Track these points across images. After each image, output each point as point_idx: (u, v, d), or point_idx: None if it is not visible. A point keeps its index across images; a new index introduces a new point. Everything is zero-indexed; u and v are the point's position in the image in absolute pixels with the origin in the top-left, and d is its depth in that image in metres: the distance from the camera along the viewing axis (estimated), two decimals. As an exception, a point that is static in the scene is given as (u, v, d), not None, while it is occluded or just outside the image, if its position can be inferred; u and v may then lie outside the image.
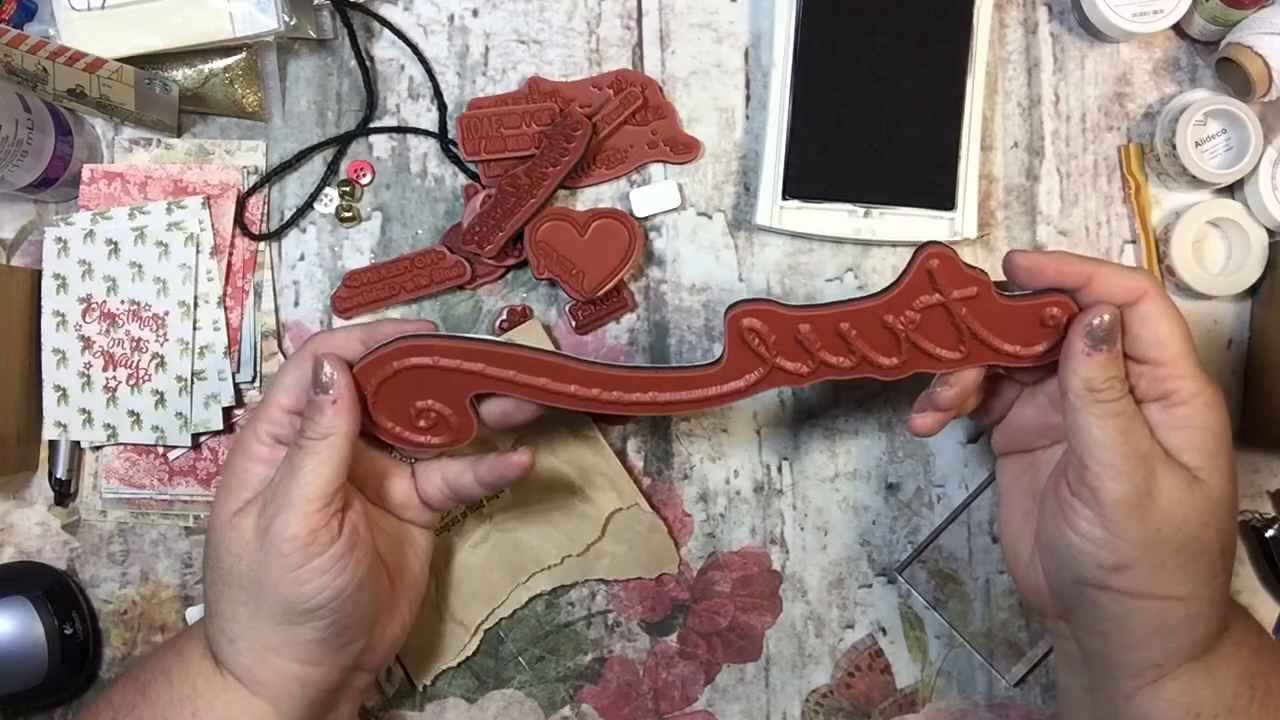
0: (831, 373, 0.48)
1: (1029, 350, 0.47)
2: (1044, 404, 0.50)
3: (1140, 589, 0.44)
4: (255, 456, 0.48)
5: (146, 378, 0.58)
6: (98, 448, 0.59)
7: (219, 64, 0.58)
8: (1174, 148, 0.57)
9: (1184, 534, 0.44)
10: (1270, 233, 0.58)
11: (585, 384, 0.48)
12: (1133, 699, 0.46)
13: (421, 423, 0.49)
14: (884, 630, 0.60)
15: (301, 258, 0.60)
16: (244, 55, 0.58)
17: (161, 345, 0.58)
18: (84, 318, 0.58)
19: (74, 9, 0.56)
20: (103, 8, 0.56)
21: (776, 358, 0.48)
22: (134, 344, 0.58)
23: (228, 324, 0.58)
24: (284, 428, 0.48)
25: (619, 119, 0.59)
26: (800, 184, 0.58)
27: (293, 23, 0.56)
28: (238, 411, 0.59)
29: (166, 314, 0.58)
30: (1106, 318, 0.44)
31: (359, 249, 0.60)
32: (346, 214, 0.60)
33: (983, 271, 0.46)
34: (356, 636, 0.49)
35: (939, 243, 0.46)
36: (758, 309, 0.47)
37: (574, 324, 0.59)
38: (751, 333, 0.47)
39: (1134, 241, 0.60)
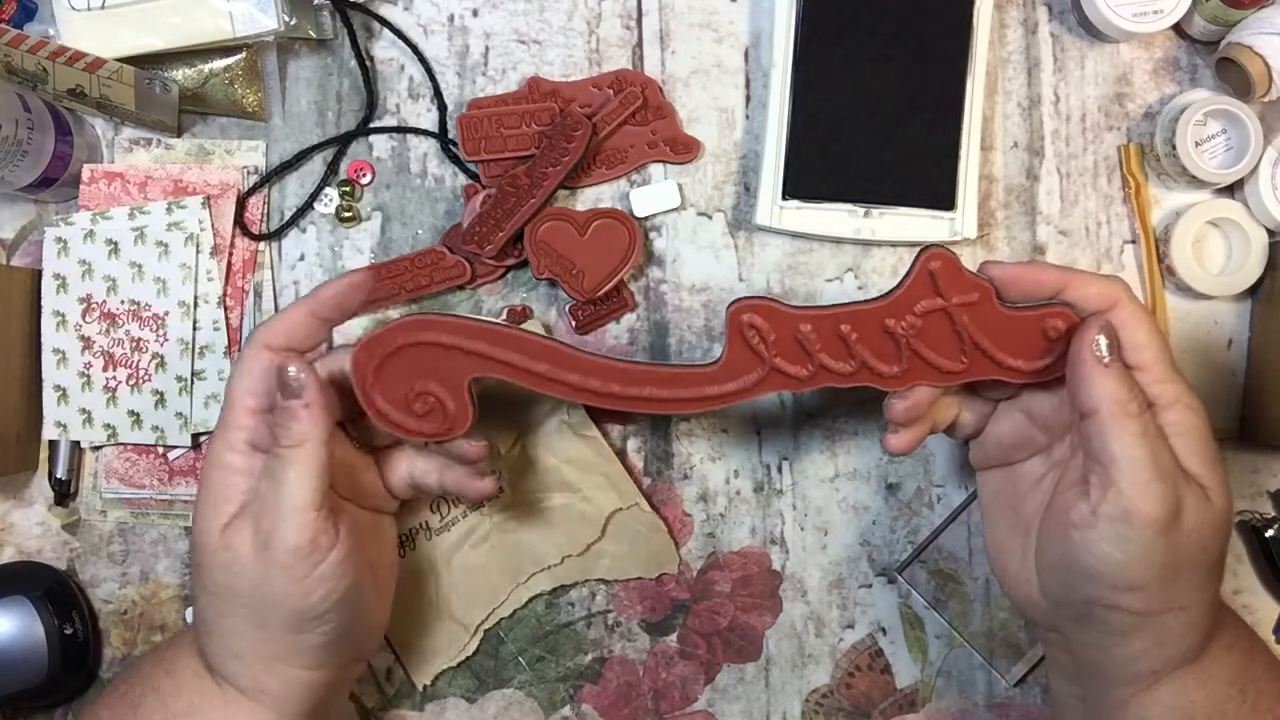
0: (831, 379, 0.48)
1: (1031, 364, 0.47)
2: (1020, 419, 0.49)
3: (1150, 607, 0.44)
4: (232, 467, 0.46)
5: (146, 378, 0.58)
6: (98, 448, 0.59)
7: (219, 64, 0.58)
8: (1174, 148, 0.57)
9: (1198, 548, 0.43)
10: (1270, 233, 0.58)
11: (584, 373, 0.48)
12: (1126, 706, 0.46)
13: (417, 406, 0.48)
14: (884, 630, 0.60)
15: (301, 258, 0.60)
16: (244, 55, 0.58)
17: (161, 345, 0.58)
18: (84, 318, 0.58)
19: (74, 9, 0.56)
20: (103, 8, 0.56)
21: (776, 358, 0.48)
22: (134, 344, 0.58)
23: (228, 324, 0.58)
24: (255, 432, 0.46)
25: (619, 119, 0.59)
26: (800, 184, 0.58)
27: (293, 23, 0.56)
28: (238, 411, 0.59)
29: (166, 314, 0.58)
30: (1110, 323, 0.44)
31: (359, 249, 0.60)
32: (346, 214, 0.60)
33: (985, 278, 0.46)
34: (355, 633, 0.49)
35: (940, 245, 0.46)
36: (759, 305, 0.47)
37: (574, 324, 0.59)
38: (752, 329, 0.47)
39: (1134, 241, 0.60)
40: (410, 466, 0.52)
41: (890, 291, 0.47)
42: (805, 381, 0.48)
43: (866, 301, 0.47)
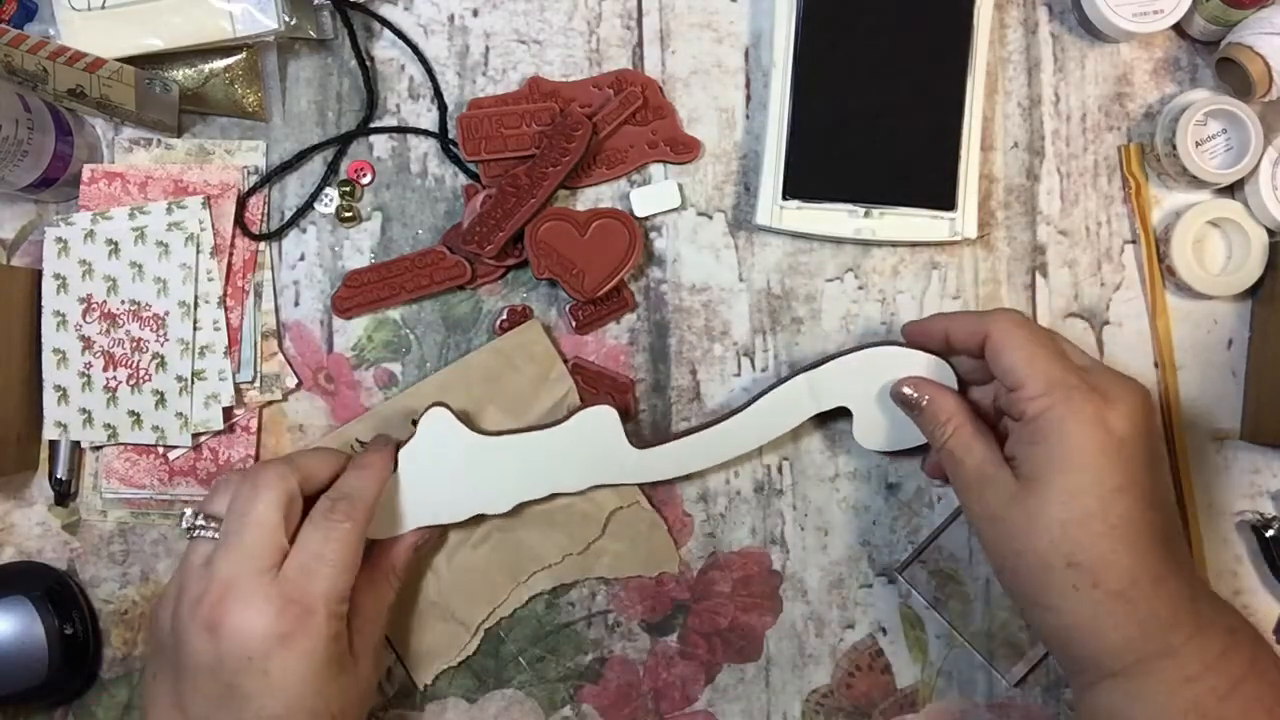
0: None
1: None
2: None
3: (1016, 594, 0.49)
4: (266, 596, 0.46)
5: (146, 378, 0.58)
6: (98, 448, 0.59)
7: (219, 64, 0.58)
8: (1174, 148, 0.57)
9: (1018, 544, 0.47)
10: (1270, 233, 0.58)
11: None
12: (1078, 700, 0.49)
13: None
14: (884, 630, 0.60)
15: (301, 258, 0.60)
16: (244, 55, 0.58)
17: (161, 345, 0.58)
18: (84, 318, 0.58)
19: (74, 9, 0.56)
20: (103, 8, 0.56)
21: None
22: (134, 344, 0.58)
23: (228, 324, 0.58)
24: (273, 556, 0.48)
25: (619, 119, 0.59)
26: (800, 184, 0.58)
27: (293, 23, 0.56)
28: (238, 411, 0.59)
29: (166, 314, 0.58)
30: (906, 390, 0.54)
31: (359, 249, 0.60)
32: (346, 214, 0.60)
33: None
34: None
35: None
36: None
37: (574, 324, 0.59)
38: None
39: (1134, 241, 0.60)
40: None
41: None
42: None
43: None
